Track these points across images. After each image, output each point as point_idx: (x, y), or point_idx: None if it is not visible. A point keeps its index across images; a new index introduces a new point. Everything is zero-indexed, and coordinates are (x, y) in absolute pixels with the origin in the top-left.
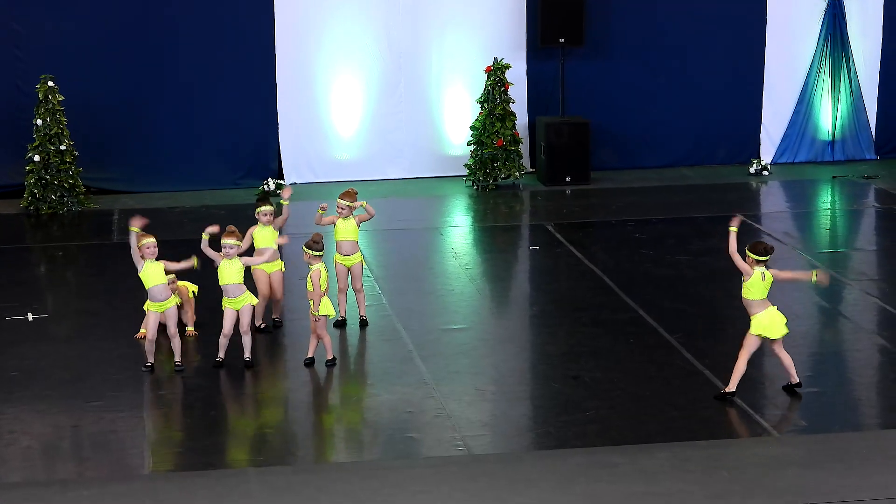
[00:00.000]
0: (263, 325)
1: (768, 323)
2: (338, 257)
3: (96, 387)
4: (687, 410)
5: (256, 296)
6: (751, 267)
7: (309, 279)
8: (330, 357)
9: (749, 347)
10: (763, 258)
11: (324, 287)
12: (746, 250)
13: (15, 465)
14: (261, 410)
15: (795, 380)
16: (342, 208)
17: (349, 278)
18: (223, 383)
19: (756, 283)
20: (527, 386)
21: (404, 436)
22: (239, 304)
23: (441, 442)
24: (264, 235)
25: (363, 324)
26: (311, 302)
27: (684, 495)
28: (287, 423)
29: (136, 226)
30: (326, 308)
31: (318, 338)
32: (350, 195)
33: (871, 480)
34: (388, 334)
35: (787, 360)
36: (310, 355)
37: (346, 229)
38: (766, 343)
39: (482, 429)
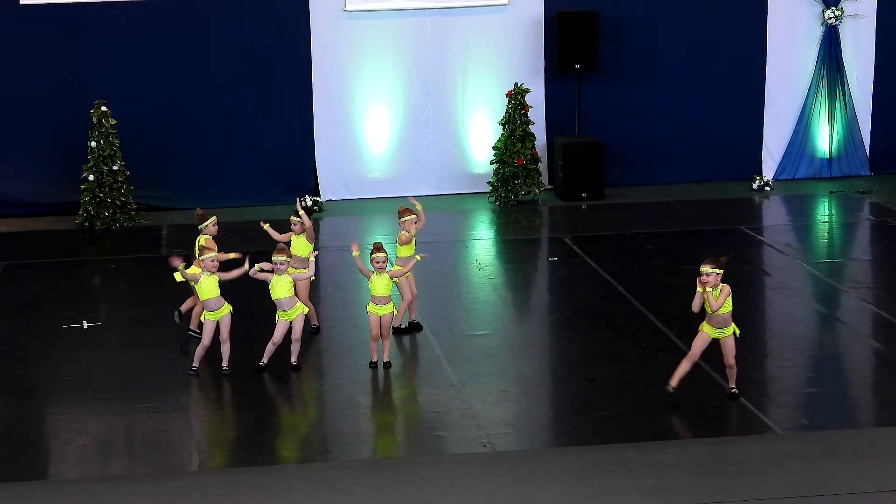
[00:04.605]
0: (316, 325)
1: None
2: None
3: (147, 389)
4: (695, 409)
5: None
6: None
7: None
8: (386, 359)
9: None
10: None
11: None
12: None
13: (72, 462)
14: (300, 411)
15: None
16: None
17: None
18: (265, 386)
19: None
20: (547, 387)
21: (433, 434)
22: (293, 315)
23: (467, 440)
24: (296, 244)
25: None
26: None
27: (693, 488)
28: (324, 422)
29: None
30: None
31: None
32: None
33: (867, 474)
34: (417, 340)
35: None
36: (375, 359)
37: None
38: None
39: (505, 427)
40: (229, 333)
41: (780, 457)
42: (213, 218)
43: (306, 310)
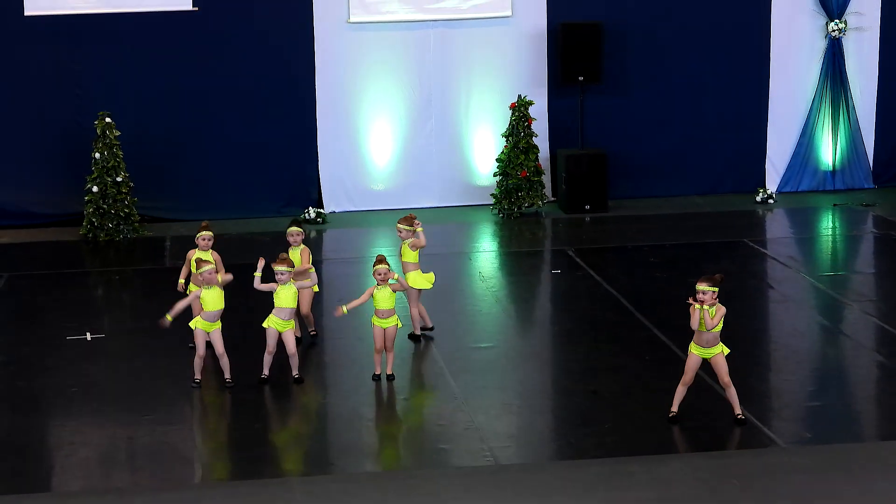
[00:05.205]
0: (298, 336)
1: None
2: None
3: (150, 401)
4: (699, 422)
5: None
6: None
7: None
8: (390, 371)
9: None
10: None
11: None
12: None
13: (74, 474)
14: (302, 423)
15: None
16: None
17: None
18: (267, 398)
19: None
20: (549, 400)
21: (436, 447)
22: (285, 328)
23: (470, 452)
24: (293, 256)
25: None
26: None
27: (696, 502)
28: (327, 434)
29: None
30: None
31: (384, 352)
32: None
33: (871, 488)
34: (420, 352)
35: None
36: (378, 371)
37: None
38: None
39: (508, 440)
40: (223, 346)
41: (783, 470)
42: (205, 233)
43: (293, 325)
